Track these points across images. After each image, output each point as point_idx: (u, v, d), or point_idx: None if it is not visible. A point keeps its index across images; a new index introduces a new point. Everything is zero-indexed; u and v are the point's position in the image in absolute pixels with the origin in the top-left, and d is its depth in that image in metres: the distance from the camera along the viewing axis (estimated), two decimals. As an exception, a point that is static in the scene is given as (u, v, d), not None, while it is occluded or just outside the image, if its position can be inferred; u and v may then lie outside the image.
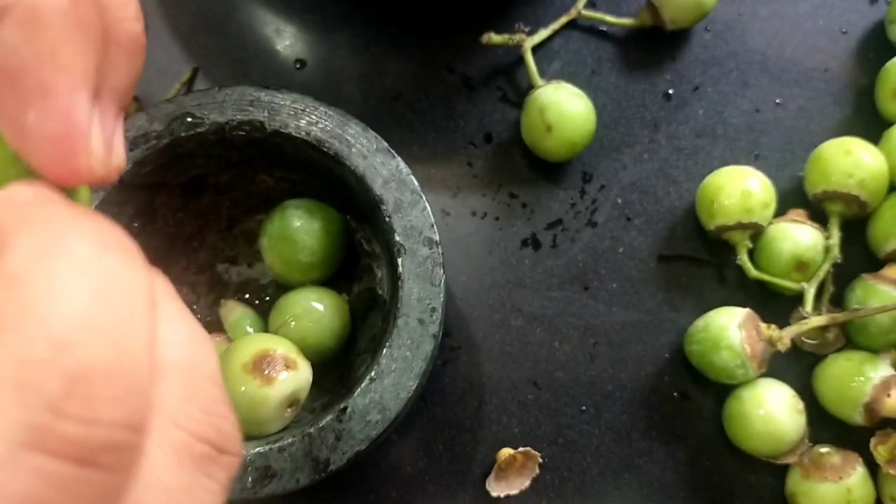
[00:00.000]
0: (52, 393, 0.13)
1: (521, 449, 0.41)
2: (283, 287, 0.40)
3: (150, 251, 0.40)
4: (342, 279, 0.41)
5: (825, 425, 0.41)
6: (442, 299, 0.35)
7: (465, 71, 0.46)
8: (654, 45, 0.46)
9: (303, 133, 0.36)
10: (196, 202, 0.40)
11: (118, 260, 0.15)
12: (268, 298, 0.41)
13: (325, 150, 0.36)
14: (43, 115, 0.16)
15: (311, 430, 0.33)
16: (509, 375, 0.43)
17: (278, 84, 0.41)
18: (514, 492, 0.41)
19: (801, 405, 0.40)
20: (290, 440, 0.33)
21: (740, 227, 0.41)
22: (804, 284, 0.41)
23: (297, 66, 0.46)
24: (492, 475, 0.41)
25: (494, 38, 0.44)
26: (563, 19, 0.46)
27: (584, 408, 0.43)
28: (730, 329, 0.40)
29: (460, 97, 0.46)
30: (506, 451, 0.41)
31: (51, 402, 0.13)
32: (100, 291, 0.14)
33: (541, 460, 0.42)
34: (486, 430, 0.42)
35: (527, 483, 0.42)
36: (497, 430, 0.42)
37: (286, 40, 0.47)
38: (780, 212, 0.43)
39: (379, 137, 0.36)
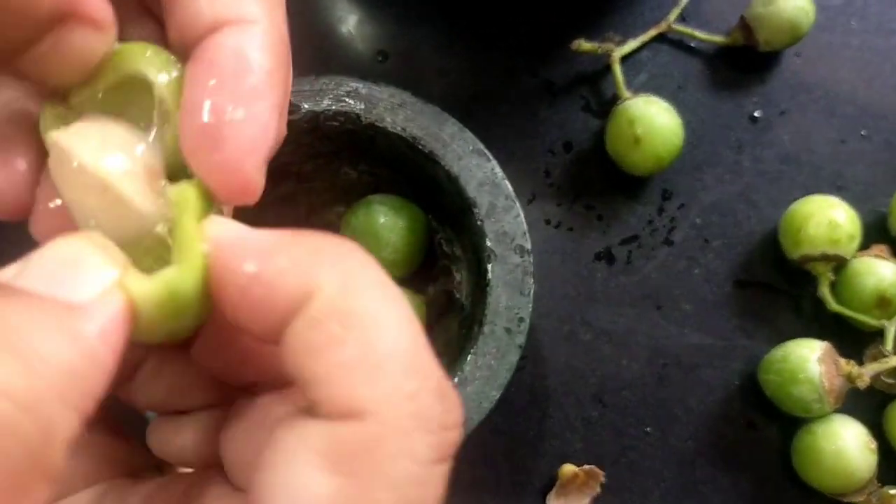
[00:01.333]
0: (438, 413, 0.15)
1: (585, 466, 0.40)
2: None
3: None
4: (418, 280, 0.40)
5: (894, 466, 0.41)
6: (530, 310, 0.34)
7: (549, 76, 0.45)
8: (743, 65, 0.45)
9: (398, 128, 0.35)
10: (277, 190, 0.39)
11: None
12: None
13: (420, 147, 0.35)
14: None
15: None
16: (574, 390, 0.42)
17: (359, 74, 0.40)
18: (573, 509, 0.41)
19: (873, 444, 0.39)
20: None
21: (825, 258, 0.40)
22: (885, 322, 0.40)
23: (379, 58, 0.45)
24: (553, 491, 0.41)
25: (584, 45, 0.43)
26: (653, 31, 0.45)
27: (648, 429, 0.42)
28: (810, 362, 0.39)
29: (542, 103, 0.45)
30: (569, 468, 0.40)
31: (439, 420, 0.15)
32: (409, 315, 0.16)
33: (603, 479, 0.41)
34: (547, 443, 0.42)
35: (586, 502, 0.41)
36: (559, 445, 0.42)
37: (369, 31, 0.46)
38: (863, 246, 0.42)
39: (475, 139, 0.35)
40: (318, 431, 0.14)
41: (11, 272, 0.15)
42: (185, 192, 0.17)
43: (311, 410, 0.15)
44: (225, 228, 0.16)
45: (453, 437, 0.15)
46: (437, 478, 0.15)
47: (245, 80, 0.17)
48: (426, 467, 0.15)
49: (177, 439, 0.20)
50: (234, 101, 0.16)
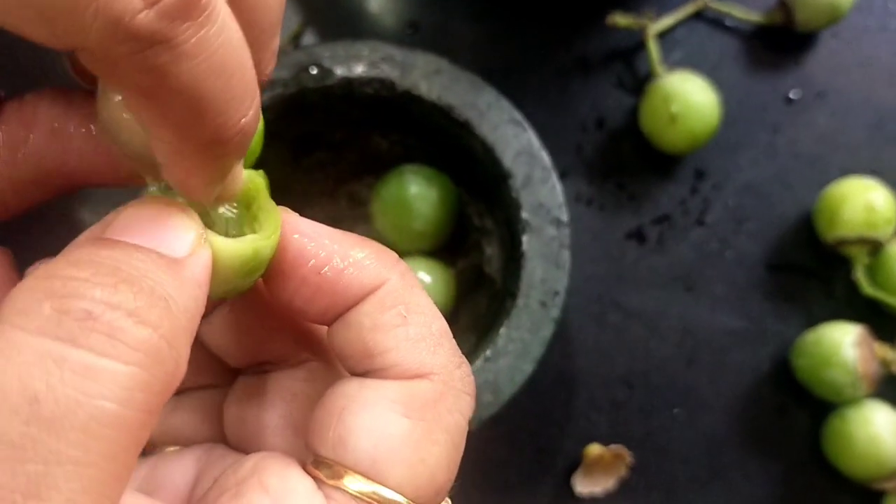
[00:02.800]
0: (471, 381, 0.19)
1: (612, 447, 0.40)
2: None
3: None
4: (447, 252, 0.39)
5: (927, 455, 0.40)
6: (565, 283, 0.33)
7: (582, 51, 0.44)
8: (780, 46, 0.44)
9: (434, 96, 0.35)
10: (306, 158, 0.39)
11: None
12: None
13: (456, 116, 0.35)
14: None
15: (421, 405, 0.32)
16: (602, 371, 0.41)
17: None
18: (598, 490, 0.40)
19: (907, 431, 0.39)
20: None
21: (861, 241, 0.40)
22: (922, 307, 0.39)
23: (410, 29, 0.45)
24: (579, 471, 0.40)
25: (620, 19, 0.42)
26: (690, 8, 0.44)
27: (676, 412, 0.41)
28: (844, 345, 0.38)
29: (575, 78, 0.44)
30: (595, 448, 0.40)
31: (472, 386, 0.19)
32: None
33: (629, 461, 0.40)
34: (573, 424, 0.41)
35: (612, 483, 0.40)
36: (585, 426, 0.41)
37: (400, 2, 0.45)
38: (899, 230, 0.41)
39: (512, 108, 0.35)
40: (393, 387, 0.17)
41: (99, 229, 0.16)
42: (257, 177, 0.19)
43: (377, 374, 0.18)
44: (299, 218, 0.19)
45: (473, 398, 0.19)
46: (466, 430, 0.18)
47: None
48: (466, 420, 0.18)
49: (173, 418, 0.21)
50: None
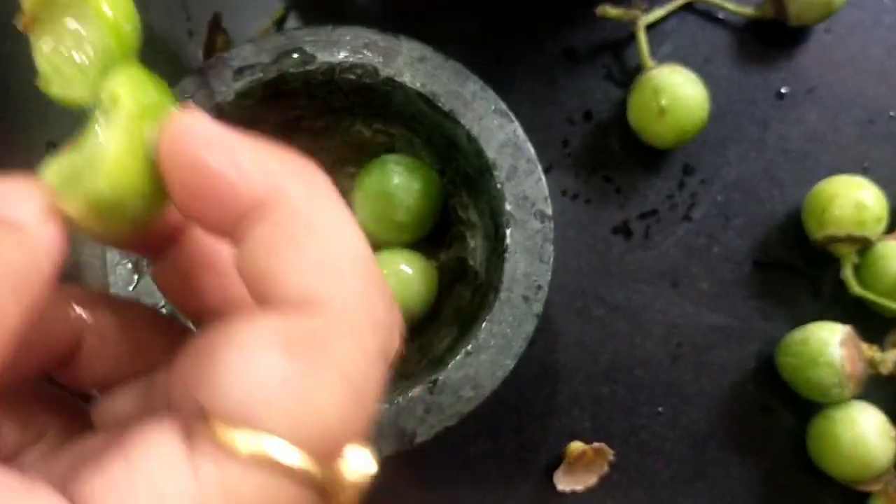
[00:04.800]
0: (384, 314, 0.16)
1: (594, 444, 0.39)
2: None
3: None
4: (430, 245, 0.39)
5: (912, 456, 0.39)
6: (549, 278, 0.33)
7: (570, 43, 0.44)
8: (771, 40, 0.44)
9: (418, 84, 0.34)
10: (287, 145, 0.38)
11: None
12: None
13: (440, 104, 0.34)
14: None
15: (400, 399, 0.31)
16: (585, 366, 0.41)
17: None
18: (579, 488, 0.39)
19: (893, 432, 0.38)
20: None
21: (850, 240, 0.39)
22: (910, 308, 0.39)
23: (397, 17, 0.44)
24: (560, 468, 0.39)
25: (610, 10, 0.42)
26: (681, 0, 0.43)
27: (660, 409, 0.41)
28: (831, 345, 0.38)
29: (562, 70, 0.43)
30: (577, 445, 0.39)
31: (385, 321, 0.16)
32: (362, 234, 0.17)
33: (611, 458, 0.39)
34: (556, 420, 0.40)
35: (594, 480, 0.40)
36: (567, 422, 0.40)
37: (386, -12, 0.44)
38: (888, 230, 0.41)
39: (498, 98, 0.34)
40: (273, 320, 0.15)
41: None
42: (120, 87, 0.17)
43: (264, 305, 0.16)
44: (189, 119, 0.17)
45: (396, 340, 0.17)
46: (379, 373, 0.16)
47: None
48: (371, 360, 0.16)
49: (116, 408, 0.20)
50: None
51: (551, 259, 0.33)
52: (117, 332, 0.20)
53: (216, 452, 0.14)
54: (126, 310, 0.20)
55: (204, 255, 0.20)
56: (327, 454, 0.15)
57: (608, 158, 0.43)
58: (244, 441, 0.14)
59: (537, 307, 0.32)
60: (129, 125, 0.17)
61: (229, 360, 0.15)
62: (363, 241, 0.17)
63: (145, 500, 0.14)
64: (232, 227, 0.16)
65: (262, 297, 0.16)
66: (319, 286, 0.16)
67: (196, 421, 0.15)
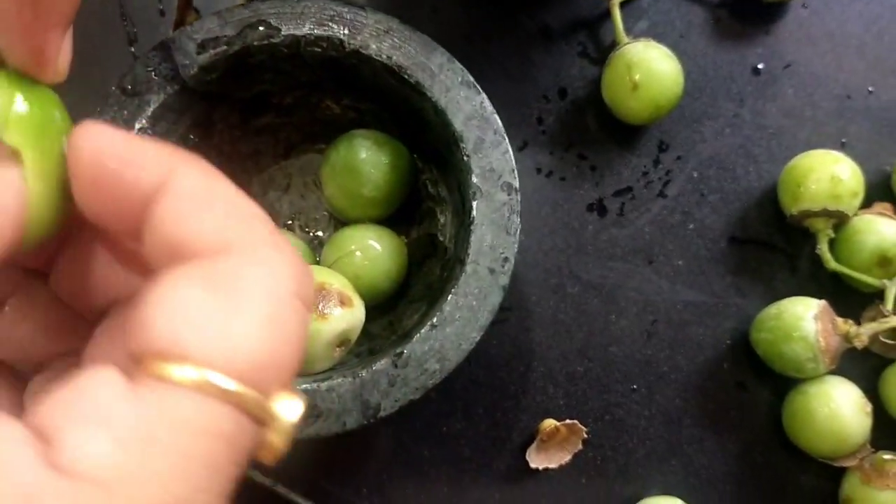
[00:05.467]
0: (293, 256, 0.17)
1: (566, 421, 0.39)
2: (337, 222, 0.38)
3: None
4: (401, 221, 0.38)
5: (888, 431, 0.39)
6: (515, 250, 0.33)
7: (546, 19, 0.43)
8: (748, 16, 0.43)
9: (384, 56, 0.34)
10: (255, 121, 0.38)
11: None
12: (320, 233, 0.39)
13: (406, 77, 0.34)
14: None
15: (364, 372, 0.31)
16: (560, 344, 0.41)
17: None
18: (553, 465, 0.39)
19: (868, 407, 0.38)
20: (339, 380, 0.31)
21: (825, 214, 0.39)
22: (886, 282, 0.39)
23: (370, -6, 0.43)
24: (533, 445, 0.39)
25: (584, -14, 0.41)
26: (656, -23, 0.43)
27: (635, 386, 0.40)
28: (805, 320, 0.37)
29: (537, 47, 0.43)
30: (549, 423, 0.39)
31: (296, 262, 0.17)
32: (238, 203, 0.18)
33: (585, 436, 0.39)
34: (530, 398, 0.40)
35: (567, 458, 0.39)
36: (542, 400, 0.40)
37: (360, -34, 0.44)
38: (865, 205, 0.40)
39: (465, 70, 0.34)
40: (192, 266, 0.16)
41: None
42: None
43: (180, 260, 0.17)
44: (88, 130, 0.18)
45: (311, 286, 0.18)
46: (299, 312, 0.17)
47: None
48: (290, 295, 0.17)
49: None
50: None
51: (518, 231, 0.32)
52: (38, 301, 0.21)
53: (154, 383, 0.15)
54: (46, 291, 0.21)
55: (94, 252, 0.20)
56: (257, 384, 0.16)
57: (583, 136, 0.42)
58: (178, 371, 0.15)
59: (504, 279, 0.32)
60: (34, 156, 0.18)
61: (154, 300, 0.16)
62: (255, 206, 0.18)
63: (93, 421, 0.14)
64: (139, 219, 0.17)
65: (177, 259, 0.17)
66: (230, 233, 0.17)
67: (133, 363, 0.16)
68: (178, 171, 0.17)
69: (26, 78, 0.18)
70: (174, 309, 0.16)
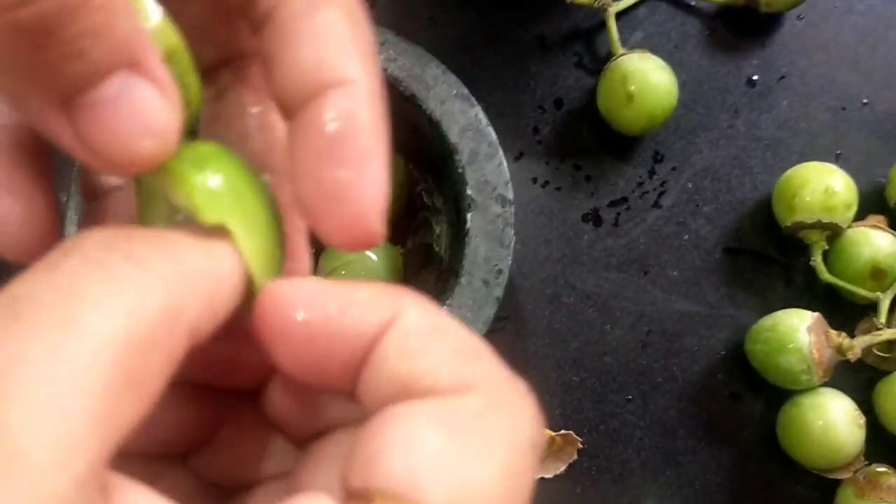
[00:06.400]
0: (524, 398, 0.17)
1: (561, 432, 0.39)
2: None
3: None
4: (396, 232, 0.38)
5: (882, 443, 0.39)
6: (509, 262, 0.33)
7: (542, 30, 0.44)
8: (743, 27, 0.44)
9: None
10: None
11: None
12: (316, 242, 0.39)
13: (401, 90, 0.34)
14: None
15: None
16: (555, 354, 0.41)
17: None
18: (548, 475, 0.39)
19: (862, 419, 0.38)
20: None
21: (819, 226, 0.39)
22: (879, 294, 0.39)
23: (367, 2, 0.43)
24: (528, 456, 0.39)
25: (581, -2, 0.42)
26: (652, -12, 0.43)
27: (630, 397, 0.40)
28: (799, 332, 0.38)
29: (533, 57, 0.43)
30: (545, 433, 0.39)
31: (529, 404, 0.17)
32: None
33: (581, 446, 0.39)
34: (525, 408, 0.40)
35: (562, 468, 0.39)
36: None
37: (357, -24, 0.44)
38: (859, 216, 0.40)
39: (460, 83, 0.34)
40: (430, 403, 0.15)
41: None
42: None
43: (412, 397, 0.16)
44: (281, 293, 0.17)
45: (541, 430, 0.16)
46: (533, 457, 0.16)
47: (358, 141, 0.17)
48: (528, 443, 0.16)
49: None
50: (353, 164, 0.17)
51: (512, 243, 0.33)
52: (250, 428, 0.20)
53: None
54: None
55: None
56: None
57: (579, 146, 0.43)
58: None
59: (498, 291, 0.32)
60: (240, 224, 0.17)
61: (387, 437, 0.15)
62: (479, 340, 0.17)
63: None
64: (355, 365, 0.16)
65: (405, 396, 0.16)
66: (464, 371, 0.16)
67: (353, 497, 0.15)
68: (401, 309, 0.16)
69: (213, 148, 0.18)
70: (410, 448, 0.15)
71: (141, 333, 0.13)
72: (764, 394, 0.40)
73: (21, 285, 0.13)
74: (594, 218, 0.42)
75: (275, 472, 0.20)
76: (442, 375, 0.15)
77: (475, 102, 0.34)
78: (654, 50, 0.42)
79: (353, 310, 0.16)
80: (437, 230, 0.38)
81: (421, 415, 0.15)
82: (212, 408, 0.19)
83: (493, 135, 0.33)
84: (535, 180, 0.42)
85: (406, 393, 0.16)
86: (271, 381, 0.19)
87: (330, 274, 0.35)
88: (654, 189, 0.42)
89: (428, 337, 0.16)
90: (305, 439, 0.20)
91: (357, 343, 0.16)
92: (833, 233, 0.39)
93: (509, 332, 0.41)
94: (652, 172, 0.42)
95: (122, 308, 0.13)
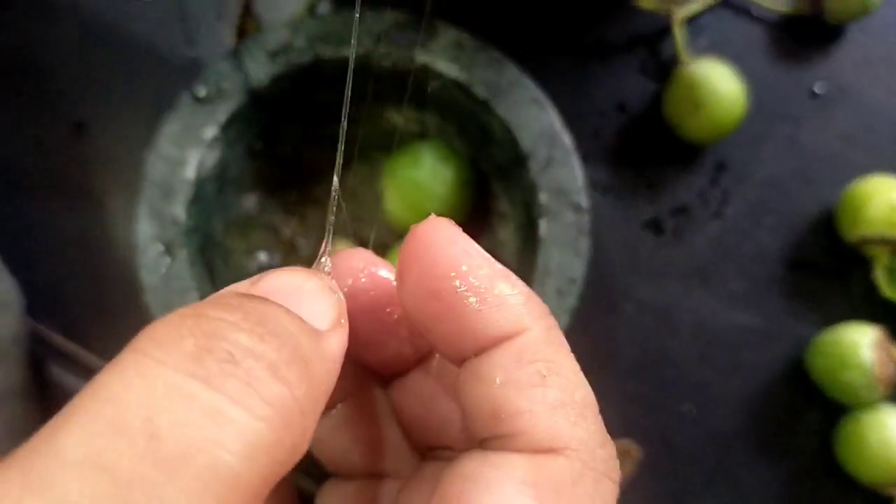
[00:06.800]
0: (616, 466, 0.17)
1: (620, 441, 0.39)
2: (396, 234, 0.38)
3: (265, 175, 0.37)
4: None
5: (940, 462, 0.39)
6: (584, 272, 0.32)
7: (605, 34, 0.43)
8: (807, 37, 0.43)
9: (454, 73, 0.33)
10: (318, 130, 0.38)
11: None
12: (378, 245, 0.39)
13: (475, 94, 0.33)
14: None
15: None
16: (613, 363, 0.40)
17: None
18: (603, 485, 0.39)
19: (922, 437, 0.38)
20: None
21: (883, 241, 0.39)
22: (943, 311, 0.38)
23: (432, 4, 0.43)
24: (585, 464, 0.39)
25: (646, 2, 0.41)
26: (717, -5, 0.43)
27: (687, 408, 0.40)
28: (862, 347, 0.37)
29: (596, 62, 0.43)
30: (603, 442, 0.39)
31: (617, 472, 0.16)
32: None
33: (637, 456, 0.39)
34: (581, 415, 0.40)
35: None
36: (593, 418, 0.40)
37: (419, -25, 0.44)
38: (922, 232, 0.40)
39: (534, 86, 0.34)
40: (521, 463, 0.15)
41: (245, 286, 0.16)
42: None
43: (503, 443, 0.15)
44: (457, 231, 0.17)
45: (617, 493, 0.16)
46: None
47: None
48: None
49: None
50: None
51: (587, 252, 0.32)
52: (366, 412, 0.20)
53: None
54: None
55: (443, 388, 0.19)
56: None
57: (640, 152, 0.42)
58: None
59: (570, 301, 0.32)
60: None
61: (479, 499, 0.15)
62: (589, 387, 0.17)
63: None
64: (466, 349, 0.16)
65: (501, 430, 0.16)
66: (563, 427, 0.15)
67: None
68: (525, 326, 0.16)
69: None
70: None
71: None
72: (821, 408, 0.40)
73: None
74: (654, 226, 0.42)
75: (371, 472, 0.20)
76: (539, 429, 0.15)
77: (550, 107, 0.33)
78: (717, 57, 0.42)
79: (493, 303, 0.16)
80: (502, 235, 0.37)
81: (511, 480, 0.15)
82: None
83: (568, 140, 0.33)
84: (595, 186, 0.42)
85: (495, 422, 0.15)
86: (406, 374, 0.19)
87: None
88: (716, 198, 0.42)
89: (541, 372, 0.16)
90: (420, 447, 0.19)
91: (477, 335, 0.16)
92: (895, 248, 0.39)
93: (567, 339, 0.40)
94: (714, 181, 0.42)
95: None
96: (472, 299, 0.16)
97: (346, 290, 0.18)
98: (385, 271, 0.18)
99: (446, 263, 0.16)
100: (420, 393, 0.19)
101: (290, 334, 0.14)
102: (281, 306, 0.15)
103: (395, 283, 0.18)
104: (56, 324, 0.41)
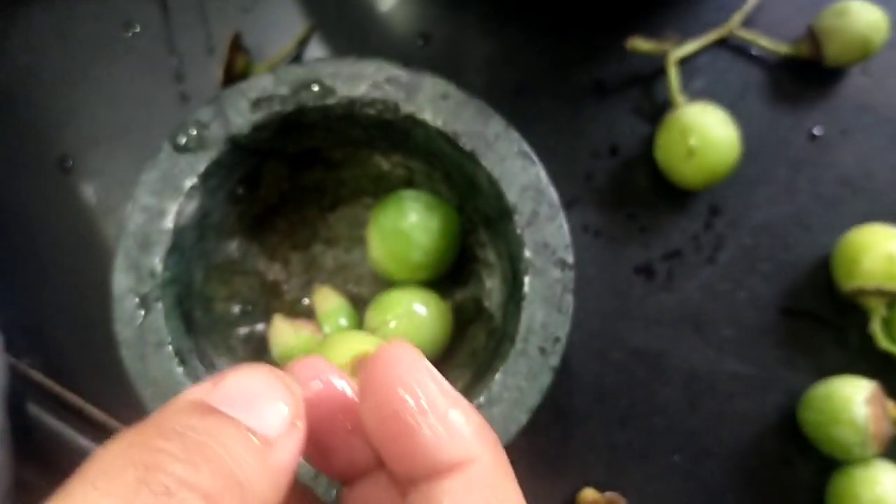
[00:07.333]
0: None
1: (607, 493, 0.38)
2: (381, 281, 0.37)
3: (247, 220, 0.37)
4: (445, 282, 0.37)
5: (935, 519, 0.38)
6: (567, 330, 0.32)
7: (599, 75, 0.42)
8: (806, 79, 0.42)
9: (439, 122, 0.33)
10: (303, 175, 0.37)
11: None
12: (363, 291, 0.38)
13: (461, 145, 0.33)
14: None
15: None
16: (602, 411, 0.40)
17: (398, 57, 0.37)
18: (590, 536, 0.38)
19: (916, 495, 0.37)
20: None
21: (879, 293, 0.38)
22: (940, 366, 0.38)
23: (420, 41, 0.43)
24: (571, 516, 0.38)
25: (641, 44, 0.40)
26: (714, 35, 0.42)
27: (676, 458, 0.39)
28: (855, 403, 0.36)
29: (589, 102, 0.42)
30: (590, 493, 0.38)
31: None
32: None
33: (624, 508, 0.38)
34: (569, 465, 0.39)
35: (605, 529, 0.38)
36: (581, 468, 0.39)
37: (412, 11, 0.43)
38: (920, 282, 0.39)
39: (521, 140, 0.33)
40: None
41: (204, 390, 0.16)
42: None
43: None
44: (407, 351, 0.17)
45: None
46: None
47: None
48: None
49: None
50: None
51: (570, 310, 0.32)
52: None
53: None
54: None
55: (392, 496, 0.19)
56: None
57: (633, 195, 0.41)
58: None
59: (554, 360, 0.31)
60: None
61: None
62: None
63: None
64: (417, 472, 0.17)
65: None
66: None
67: None
68: (475, 455, 0.16)
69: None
70: None
71: None
72: (815, 461, 0.39)
73: None
74: (646, 271, 0.41)
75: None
76: None
77: (537, 161, 0.33)
78: (714, 99, 0.41)
79: (445, 432, 0.16)
80: (488, 284, 0.37)
81: None
82: None
83: (555, 195, 0.32)
84: (586, 229, 0.41)
85: None
86: (361, 482, 0.19)
87: (377, 329, 0.34)
88: (710, 243, 0.41)
89: (489, 501, 0.16)
90: None
91: (428, 461, 0.16)
92: (893, 300, 0.38)
93: (554, 387, 0.39)
94: (708, 225, 0.41)
95: None
96: (426, 426, 0.16)
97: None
98: (337, 379, 0.18)
99: (404, 389, 0.16)
100: (373, 499, 0.19)
101: (231, 456, 0.15)
102: (229, 419, 0.15)
103: (347, 392, 0.18)
104: (37, 361, 0.41)
